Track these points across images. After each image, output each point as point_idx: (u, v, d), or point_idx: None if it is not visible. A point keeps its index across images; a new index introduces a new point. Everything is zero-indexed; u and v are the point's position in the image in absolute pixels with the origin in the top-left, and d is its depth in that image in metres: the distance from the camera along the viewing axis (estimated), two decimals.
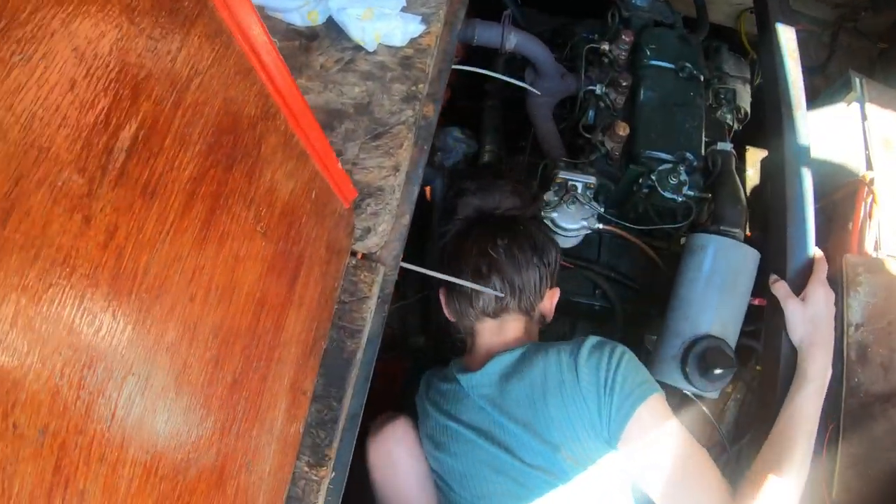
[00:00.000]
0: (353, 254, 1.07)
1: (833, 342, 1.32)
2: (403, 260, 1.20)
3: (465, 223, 1.46)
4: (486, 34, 1.77)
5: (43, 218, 0.42)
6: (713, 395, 1.56)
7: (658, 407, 1.18)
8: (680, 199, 1.66)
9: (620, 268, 1.89)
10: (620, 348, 1.24)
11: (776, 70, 1.58)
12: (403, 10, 1.36)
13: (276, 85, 0.69)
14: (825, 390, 1.26)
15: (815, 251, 1.40)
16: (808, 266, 1.38)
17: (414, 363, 1.98)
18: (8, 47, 0.38)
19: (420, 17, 1.33)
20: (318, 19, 1.35)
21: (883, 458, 1.65)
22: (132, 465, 0.53)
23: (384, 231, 1.08)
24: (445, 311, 1.47)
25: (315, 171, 0.83)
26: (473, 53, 2.01)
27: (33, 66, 0.40)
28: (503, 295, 1.34)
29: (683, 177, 1.65)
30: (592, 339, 1.26)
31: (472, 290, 1.33)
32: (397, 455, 1.35)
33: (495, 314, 1.36)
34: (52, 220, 0.42)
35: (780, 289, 1.34)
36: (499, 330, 1.38)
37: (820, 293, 1.30)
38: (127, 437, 0.52)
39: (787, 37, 1.62)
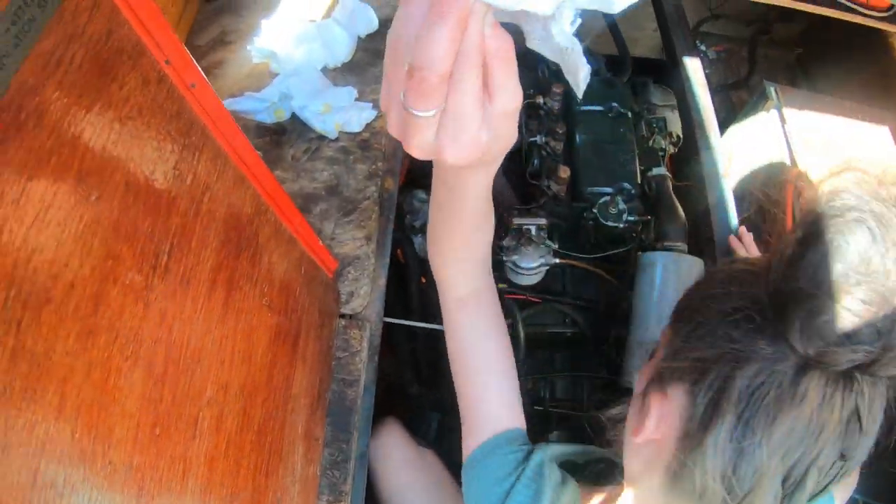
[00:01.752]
0: (342, 315, 1.26)
1: None
2: (388, 315, 1.38)
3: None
4: None
5: (119, 307, 0.60)
6: None
7: None
8: (622, 226, 1.86)
9: (585, 295, 2.08)
10: None
11: (687, 98, 1.81)
12: (356, 99, 1.58)
13: (264, 187, 0.89)
14: None
15: (732, 239, 1.57)
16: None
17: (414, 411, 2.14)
18: (83, 189, 0.57)
19: (371, 104, 1.55)
20: (284, 116, 1.56)
21: None
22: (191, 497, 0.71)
23: (365, 293, 1.28)
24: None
25: (302, 250, 1.02)
26: None
27: (101, 203, 0.59)
28: None
29: (622, 206, 1.86)
30: None
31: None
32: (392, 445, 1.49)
33: None
34: (125, 307, 0.61)
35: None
36: None
37: None
38: (186, 471, 0.70)
39: (693, 68, 1.85)
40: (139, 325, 0.63)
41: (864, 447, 0.63)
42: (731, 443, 0.63)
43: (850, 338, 0.58)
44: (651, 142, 2.24)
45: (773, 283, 0.65)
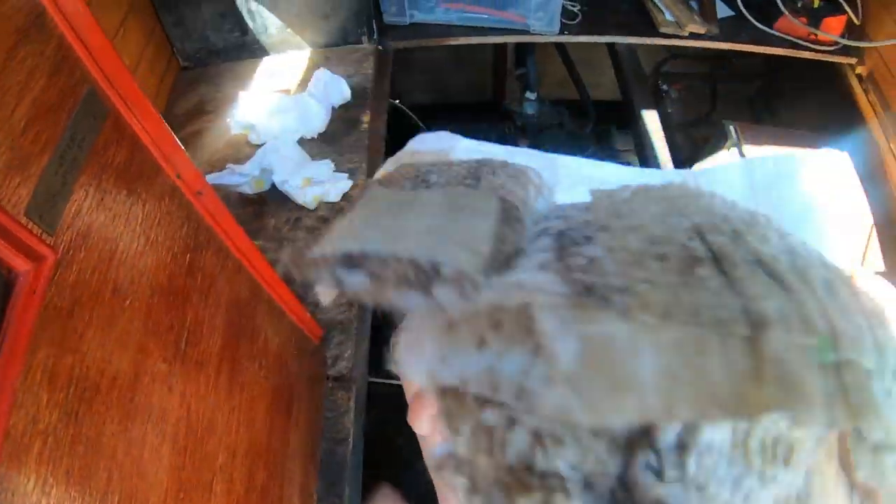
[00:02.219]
0: (329, 377, 1.38)
1: None
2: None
3: None
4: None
5: (149, 392, 0.72)
6: None
7: None
8: None
9: None
10: None
11: (645, 148, 1.96)
12: (333, 170, 1.71)
13: (258, 271, 1.01)
14: None
15: None
16: None
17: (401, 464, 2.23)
18: (119, 298, 0.70)
19: (347, 174, 1.69)
20: (264, 186, 1.69)
21: None
22: None
23: (350, 356, 1.40)
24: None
25: (291, 323, 1.15)
26: None
27: (133, 307, 0.72)
28: None
29: None
30: None
31: None
32: None
33: None
34: (154, 392, 0.73)
35: None
36: None
37: None
38: None
39: (649, 121, 2.01)
40: (165, 405, 0.75)
41: None
42: None
43: None
44: None
45: None
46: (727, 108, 3.27)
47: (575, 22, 2.16)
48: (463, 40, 2.17)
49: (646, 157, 2.03)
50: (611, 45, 2.27)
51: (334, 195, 1.66)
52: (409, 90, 3.45)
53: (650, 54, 3.38)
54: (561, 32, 2.13)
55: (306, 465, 1.20)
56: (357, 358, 1.42)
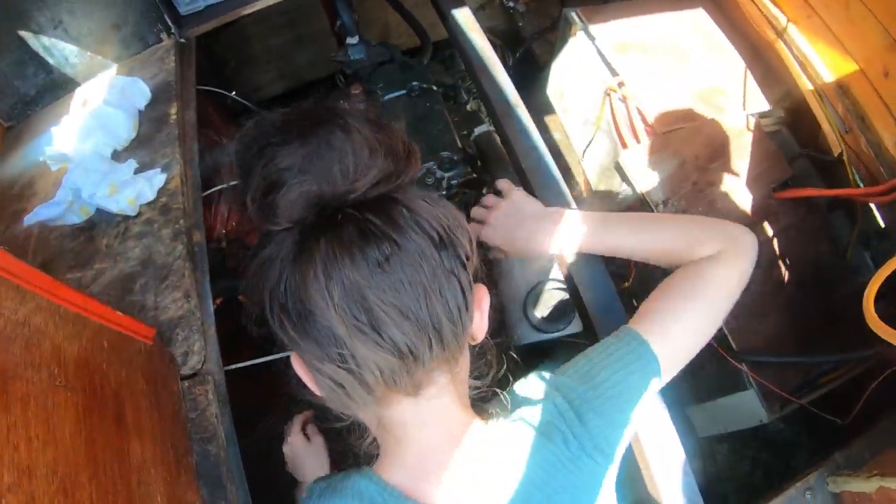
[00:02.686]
0: (184, 377, 1.28)
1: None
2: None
3: (300, 235, 0.77)
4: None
5: None
6: (575, 327, 1.78)
7: None
8: (447, 193, 1.93)
9: None
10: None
11: (465, 46, 1.89)
12: (145, 165, 1.61)
13: (22, 277, 0.90)
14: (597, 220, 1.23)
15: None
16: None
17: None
18: None
19: (159, 168, 1.59)
20: (90, 211, 1.59)
21: (758, 292, 1.92)
22: None
23: (199, 348, 1.30)
24: (313, 388, 0.87)
25: (98, 326, 1.04)
26: None
27: None
28: (411, 350, 0.76)
29: (438, 174, 1.93)
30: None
31: (354, 356, 0.76)
32: None
33: (414, 388, 0.82)
34: None
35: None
36: (420, 413, 0.85)
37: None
38: None
39: (463, 17, 1.94)
40: None
41: None
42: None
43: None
44: (470, 105, 2.33)
45: None
46: (577, 4, 3.26)
47: None
48: (259, 5, 2.08)
49: (467, 57, 1.94)
50: None
51: (150, 193, 1.55)
52: (263, 85, 3.37)
53: None
54: None
55: (171, 474, 1.10)
56: (208, 349, 1.32)
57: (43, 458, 0.82)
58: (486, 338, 0.92)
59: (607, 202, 2.34)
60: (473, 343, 0.91)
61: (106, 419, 0.98)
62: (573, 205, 1.54)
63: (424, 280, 0.75)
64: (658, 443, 1.26)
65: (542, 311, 1.73)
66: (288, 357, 0.87)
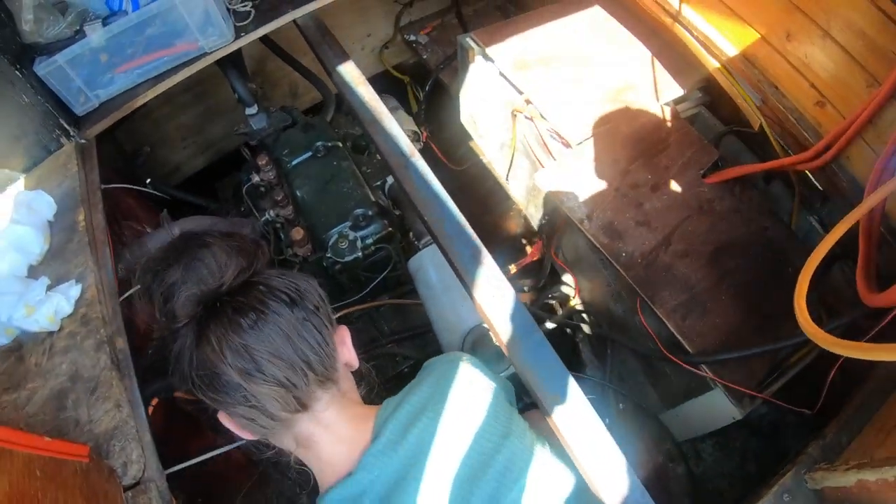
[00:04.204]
0: (127, 488, 1.31)
1: None
2: None
3: (195, 325, 1.11)
4: (157, 239, 2.06)
5: None
6: (511, 370, 1.83)
7: None
8: (363, 253, 1.97)
9: (401, 326, 2.19)
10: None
11: (353, 101, 1.93)
12: (61, 278, 1.65)
13: None
14: None
15: None
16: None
17: None
18: None
19: (74, 280, 1.63)
20: (14, 332, 1.61)
21: (703, 288, 1.90)
22: None
23: (138, 456, 1.34)
24: (245, 436, 1.18)
25: (27, 457, 1.08)
26: None
27: None
28: (291, 381, 1.10)
29: (352, 235, 1.98)
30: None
31: (252, 395, 1.08)
32: None
33: (303, 406, 1.13)
34: None
35: None
36: (318, 422, 1.17)
37: None
38: None
39: (348, 71, 1.99)
40: None
41: None
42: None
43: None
44: (378, 156, 2.40)
45: None
46: (480, 24, 3.32)
47: (249, 21, 2.14)
48: (151, 93, 2.12)
49: (355, 101, 1.94)
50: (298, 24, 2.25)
51: (67, 307, 1.59)
52: (182, 163, 3.40)
53: (388, 12, 3.41)
54: (238, 36, 2.11)
55: None
56: (146, 455, 1.36)
57: None
58: (363, 364, 1.31)
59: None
60: (352, 369, 1.28)
61: None
62: (483, 251, 1.59)
63: (285, 329, 1.11)
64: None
65: (481, 354, 1.77)
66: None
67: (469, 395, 1.27)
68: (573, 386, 1.41)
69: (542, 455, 1.27)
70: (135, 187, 2.33)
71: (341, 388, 1.21)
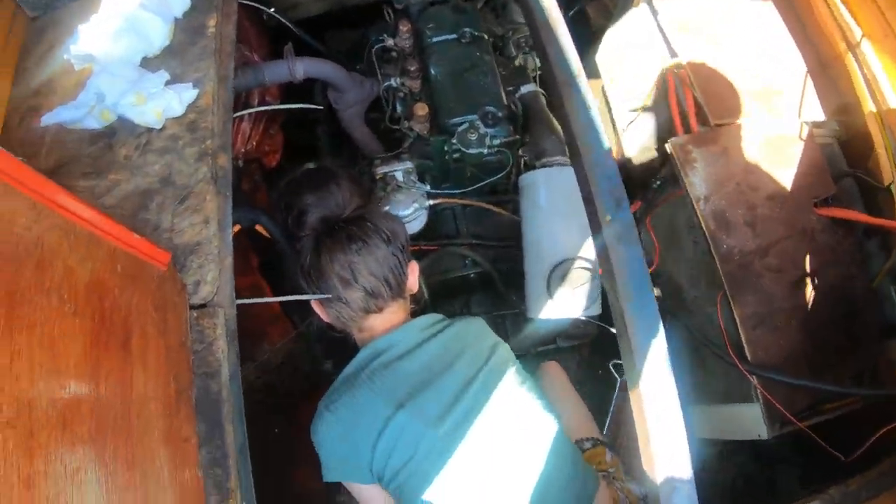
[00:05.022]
0: (192, 307, 1.25)
1: None
2: (275, 293, 1.38)
3: (316, 237, 1.56)
4: (275, 72, 1.96)
5: None
6: (595, 309, 1.76)
7: None
8: (488, 150, 1.86)
9: (482, 233, 2.09)
10: None
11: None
12: (176, 77, 1.55)
13: (40, 192, 0.87)
14: None
15: None
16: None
17: None
18: None
19: (192, 83, 1.53)
20: (111, 117, 1.53)
21: (783, 308, 1.85)
22: None
23: (213, 279, 1.27)
24: (325, 319, 1.64)
25: (112, 248, 1.01)
26: (296, 89, 2.20)
27: None
28: (375, 292, 1.54)
29: (483, 129, 1.86)
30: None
31: (346, 297, 1.53)
32: None
33: (378, 308, 1.57)
34: None
35: None
36: (383, 320, 1.61)
37: None
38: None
39: None
40: None
41: None
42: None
43: None
44: (518, 60, 2.25)
45: None
46: None
47: None
48: None
49: (529, 10, 1.84)
50: None
51: (179, 108, 1.50)
52: (300, 3, 3.24)
53: None
54: None
55: (170, 408, 1.08)
56: (222, 280, 1.29)
57: (46, 390, 0.79)
58: (422, 292, 1.85)
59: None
60: (412, 292, 1.70)
61: (112, 349, 0.95)
62: (623, 191, 1.48)
63: (379, 258, 1.54)
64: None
65: (565, 289, 1.69)
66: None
67: (479, 339, 1.66)
68: (664, 355, 1.34)
69: (523, 393, 1.60)
70: (262, 7, 2.21)
71: (402, 303, 1.65)
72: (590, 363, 2.52)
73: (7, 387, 0.73)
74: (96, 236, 0.98)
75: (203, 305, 1.26)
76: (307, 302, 1.62)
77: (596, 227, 1.47)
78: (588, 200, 1.51)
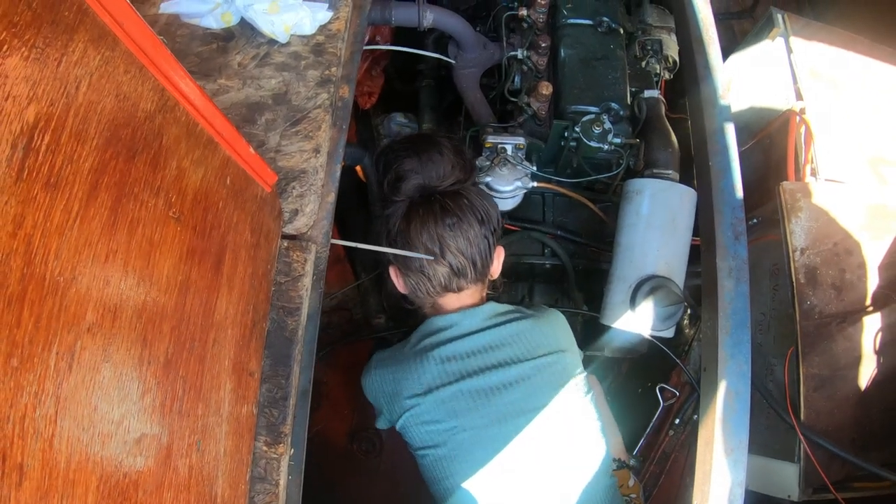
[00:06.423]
0: (284, 236, 1.14)
1: None
2: (348, 238, 1.27)
3: (409, 204, 1.47)
4: (403, 14, 1.83)
5: None
6: (668, 333, 1.64)
7: None
8: (607, 148, 1.73)
9: (567, 225, 1.97)
10: None
11: (686, 11, 1.66)
12: None
13: (170, 80, 0.76)
14: None
15: None
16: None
17: (377, 344, 2.05)
18: None
19: (327, 4, 1.41)
20: (231, 20, 1.42)
21: (846, 377, 1.75)
22: (68, 441, 0.60)
23: (312, 211, 1.16)
24: (400, 289, 1.56)
25: (226, 157, 0.90)
26: (403, 34, 2.08)
27: None
28: (460, 271, 1.45)
29: (607, 125, 1.72)
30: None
31: (428, 269, 1.45)
32: None
33: (458, 288, 1.49)
34: None
35: None
36: (458, 299, 1.53)
37: None
38: (61, 410, 0.59)
39: None
40: None
41: None
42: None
43: None
44: (644, 63, 2.10)
45: None
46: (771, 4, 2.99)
47: None
48: None
49: (686, 22, 1.72)
50: None
51: (310, 26, 1.39)
52: None
53: None
54: None
55: (243, 338, 0.98)
56: (321, 214, 1.19)
57: (133, 298, 0.69)
58: (499, 277, 1.63)
59: None
60: (493, 279, 1.60)
61: (205, 265, 0.85)
62: (744, 226, 1.40)
63: (470, 237, 1.45)
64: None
65: (649, 304, 1.57)
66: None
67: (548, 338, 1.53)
68: (747, 400, 1.32)
69: (580, 407, 1.50)
70: None
71: (480, 287, 1.56)
72: (626, 378, 2.41)
73: (95, 290, 0.63)
74: (214, 142, 0.87)
75: (295, 237, 1.15)
76: (372, 255, 1.61)
77: (710, 254, 1.39)
78: (706, 225, 1.44)
